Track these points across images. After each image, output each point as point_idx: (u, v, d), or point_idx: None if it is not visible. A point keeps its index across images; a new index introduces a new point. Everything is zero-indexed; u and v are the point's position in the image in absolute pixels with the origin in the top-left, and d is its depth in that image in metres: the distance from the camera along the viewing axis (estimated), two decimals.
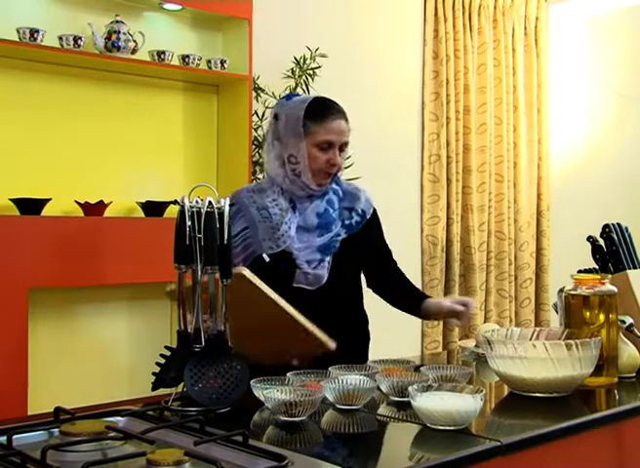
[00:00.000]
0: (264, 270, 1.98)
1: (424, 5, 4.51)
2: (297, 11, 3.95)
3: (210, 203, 1.66)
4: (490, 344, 1.81)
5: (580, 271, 2.29)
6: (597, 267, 2.36)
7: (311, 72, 3.70)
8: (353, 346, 2.18)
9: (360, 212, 2.23)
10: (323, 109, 2.13)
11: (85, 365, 3.15)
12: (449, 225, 4.55)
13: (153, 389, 1.70)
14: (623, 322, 2.02)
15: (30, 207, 2.90)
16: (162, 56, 3.22)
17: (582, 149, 5.49)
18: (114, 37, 3.11)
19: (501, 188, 4.84)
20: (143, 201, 3.20)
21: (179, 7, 3.33)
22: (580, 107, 5.46)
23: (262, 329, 1.86)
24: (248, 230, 2.11)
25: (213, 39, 3.54)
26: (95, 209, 3.04)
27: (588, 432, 1.62)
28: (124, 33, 3.13)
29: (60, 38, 2.99)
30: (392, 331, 3.39)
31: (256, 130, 3.58)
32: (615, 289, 1.96)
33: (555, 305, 2.21)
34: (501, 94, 4.83)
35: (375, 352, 2.25)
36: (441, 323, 4.43)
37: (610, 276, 2.03)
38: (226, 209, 1.69)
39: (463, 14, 4.62)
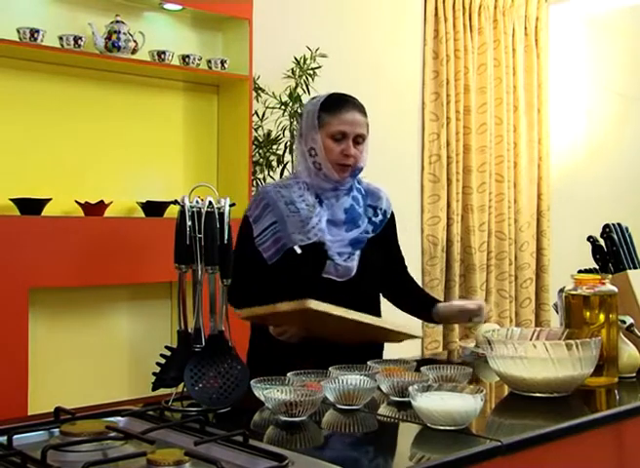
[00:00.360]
0: (295, 262, 2.08)
1: (424, 5, 4.51)
2: (297, 11, 3.95)
3: (210, 203, 1.67)
4: (490, 344, 1.81)
5: (580, 271, 2.29)
6: (597, 267, 2.36)
7: (311, 72, 3.70)
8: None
9: (382, 211, 2.29)
10: (337, 101, 2.19)
11: (85, 365, 3.15)
12: (449, 225, 4.55)
13: (153, 389, 1.70)
14: (624, 322, 2.02)
15: (30, 207, 2.90)
16: (162, 56, 3.22)
17: (582, 149, 5.49)
18: (114, 37, 3.11)
19: (502, 188, 4.84)
20: (144, 201, 3.20)
21: (179, 7, 3.33)
22: (580, 107, 5.46)
23: (342, 332, 1.99)
24: (277, 224, 2.14)
25: (213, 39, 3.54)
26: (95, 209, 3.04)
27: (589, 432, 1.62)
28: (124, 33, 3.13)
29: (61, 38, 2.99)
30: None
31: (256, 130, 3.58)
32: (615, 289, 1.96)
33: (555, 305, 2.21)
34: (502, 94, 4.83)
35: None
36: None
37: (610, 276, 2.03)
38: (226, 209, 1.69)
39: (464, 14, 4.62)
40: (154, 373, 1.71)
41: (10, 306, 2.77)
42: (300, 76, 3.70)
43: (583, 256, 2.55)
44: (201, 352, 1.66)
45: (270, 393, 1.55)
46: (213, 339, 1.66)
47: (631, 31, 5.73)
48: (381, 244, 2.25)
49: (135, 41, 3.17)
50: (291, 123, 3.64)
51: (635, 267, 2.29)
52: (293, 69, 3.71)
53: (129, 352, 3.27)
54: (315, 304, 1.81)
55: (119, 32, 3.11)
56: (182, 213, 1.67)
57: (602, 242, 2.35)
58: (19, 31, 2.89)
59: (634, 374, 2.02)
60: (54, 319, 3.09)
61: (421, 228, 4.50)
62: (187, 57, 3.31)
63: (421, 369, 1.77)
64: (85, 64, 3.14)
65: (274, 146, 3.61)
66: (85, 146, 3.20)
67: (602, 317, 1.93)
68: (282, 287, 2.09)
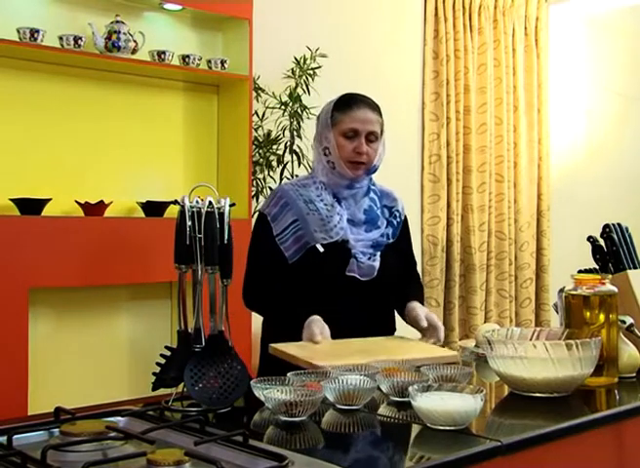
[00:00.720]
0: (317, 260, 2.09)
1: (424, 5, 4.51)
2: (297, 11, 3.95)
3: (210, 203, 1.66)
4: (490, 344, 1.81)
5: (580, 271, 2.29)
6: (597, 267, 2.36)
7: (311, 72, 3.70)
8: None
9: (398, 213, 2.30)
10: (349, 100, 2.21)
11: (85, 365, 3.15)
12: (449, 225, 4.56)
13: (153, 389, 1.70)
14: (624, 322, 2.02)
15: (30, 207, 2.90)
16: (162, 56, 3.22)
17: (582, 149, 5.49)
18: (114, 37, 3.11)
19: (502, 188, 4.84)
20: (144, 201, 3.20)
21: (179, 7, 3.33)
22: (580, 107, 5.46)
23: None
24: (298, 222, 2.14)
25: (213, 39, 3.54)
26: (95, 209, 3.04)
27: (589, 432, 1.62)
28: (124, 33, 3.13)
29: (61, 38, 2.99)
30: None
31: (256, 130, 3.58)
32: (615, 289, 1.96)
33: (555, 305, 2.21)
34: (502, 94, 4.83)
35: None
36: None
37: (610, 276, 2.03)
38: (226, 209, 1.69)
39: (464, 14, 4.62)
40: (154, 373, 1.71)
41: (10, 306, 2.77)
42: (300, 76, 3.70)
43: (583, 256, 2.55)
44: (201, 352, 1.66)
45: (270, 393, 1.55)
46: (213, 339, 1.66)
47: (631, 31, 5.73)
48: (398, 248, 2.26)
49: (135, 41, 3.17)
50: (291, 123, 3.64)
51: (635, 267, 2.29)
52: (293, 69, 3.71)
53: (129, 352, 3.27)
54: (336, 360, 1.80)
55: (119, 32, 3.12)
56: (182, 213, 1.67)
57: (602, 242, 2.35)
58: (19, 31, 2.89)
59: (634, 374, 2.01)
60: (54, 319, 3.09)
61: (421, 228, 4.50)
62: (187, 57, 3.31)
63: (421, 369, 1.77)
64: (85, 64, 3.14)
65: (274, 146, 3.62)
66: (85, 146, 3.20)
67: (602, 317, 1.93)
68: (303, 285, 2.10)
